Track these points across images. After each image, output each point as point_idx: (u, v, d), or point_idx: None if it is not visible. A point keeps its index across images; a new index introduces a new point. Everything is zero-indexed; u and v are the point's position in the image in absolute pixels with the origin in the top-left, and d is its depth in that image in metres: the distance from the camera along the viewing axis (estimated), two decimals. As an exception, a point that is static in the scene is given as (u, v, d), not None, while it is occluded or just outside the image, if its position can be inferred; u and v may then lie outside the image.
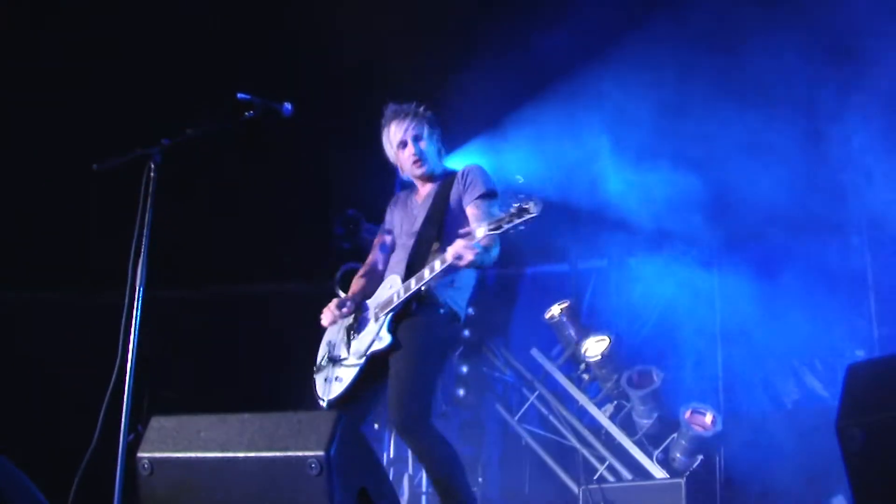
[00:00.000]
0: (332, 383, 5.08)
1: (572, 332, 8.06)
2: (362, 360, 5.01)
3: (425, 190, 5.33)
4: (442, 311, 5.02)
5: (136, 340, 4.55)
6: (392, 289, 5.04)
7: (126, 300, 4.61)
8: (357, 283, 5.37)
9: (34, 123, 8.37)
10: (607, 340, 7.77)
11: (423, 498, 7.84)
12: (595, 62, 7.65)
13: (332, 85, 8.24)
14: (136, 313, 4.60)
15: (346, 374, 5.04)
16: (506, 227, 4.50)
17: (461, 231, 4.69)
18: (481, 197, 5.04)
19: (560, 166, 7.78)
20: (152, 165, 4.74)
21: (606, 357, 7.75)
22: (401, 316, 4.99)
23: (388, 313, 4.98)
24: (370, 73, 8.05)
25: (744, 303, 7.60)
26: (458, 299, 5.13)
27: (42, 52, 8.26)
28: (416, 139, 5.25)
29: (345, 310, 5.19)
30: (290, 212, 9.09)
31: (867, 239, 7.68)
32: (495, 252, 4.90)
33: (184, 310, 9.49)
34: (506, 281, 9.07)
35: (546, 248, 8.47)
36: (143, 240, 4.66)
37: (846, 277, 7.59)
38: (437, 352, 5.01)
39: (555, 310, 8.16)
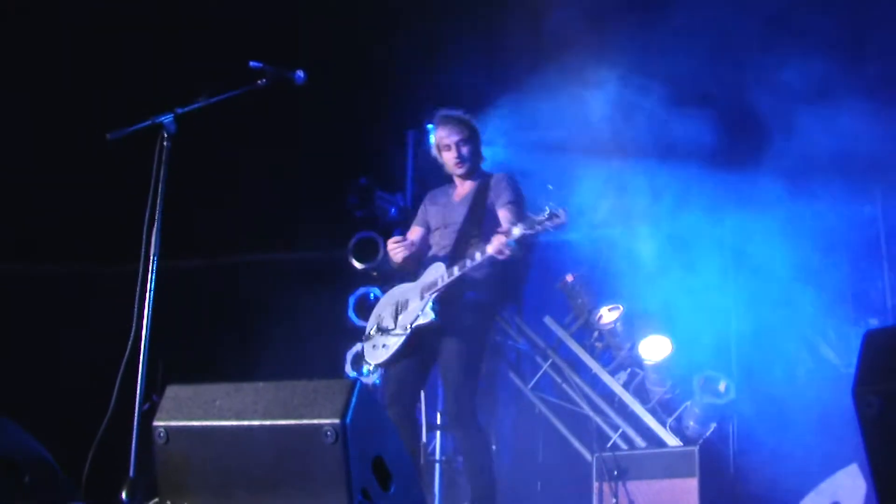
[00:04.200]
0: (378, 349, 5.90)
1: (585, 300, 8.05)
2: (407, 332, 5.75)
3: (464, 189, 6.10)
4: (484, 298, 5.82)
5: (150, 310, 4.55)
6: (436, 273, 5.78)
7: (140, 270, 4.61)
8: (406, 250, 6.02)
9: (48, 93, 8.36)
10: (620, 309, 7.77)
11: (437, 466, 7.87)
12: (611, 20, 7.59)
13: (344, 53, 8.21)
14: (150, 283, 4.60)
15: (391, 343, 5.83)
16: (538, 228, 5.30)
17: (499, 230, 5.48)
18: (511, 202, 5.86)
19: (574, 131, 7.77)
20: (165, 134, 4.73)
21: (619, 325, 7.75)
22: (445, 298, 5.71)
23: (432, 293, 5.73)
24: (385, 42, 8.02)
25: (757, 272, 7.58)
26: (498, 287, 5.94)
27: (53, 20, 8.25)
28: (459, 143, 6.00)
29: (407, 245, 5.99)
30: (303, 181, 9.08)
31: (881, 208, 7.64)
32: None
33: (196, 279, 9.51)
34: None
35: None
36: (157, 209, 4.65)
37: (860, 246, 7.56)
38: (482, 343, 5.88)
39: (568, 278, 8.14)
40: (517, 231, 5.36)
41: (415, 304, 5.82)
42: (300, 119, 8.49)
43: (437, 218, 6.14)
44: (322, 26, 8.21)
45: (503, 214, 5.81)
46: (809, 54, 7.03)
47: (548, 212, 5.28)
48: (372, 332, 6.01)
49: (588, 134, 7.78)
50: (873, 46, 6.95)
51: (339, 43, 8.17)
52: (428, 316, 5.71)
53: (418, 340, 5.78)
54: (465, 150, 6.01)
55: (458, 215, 6.01)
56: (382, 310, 6.08)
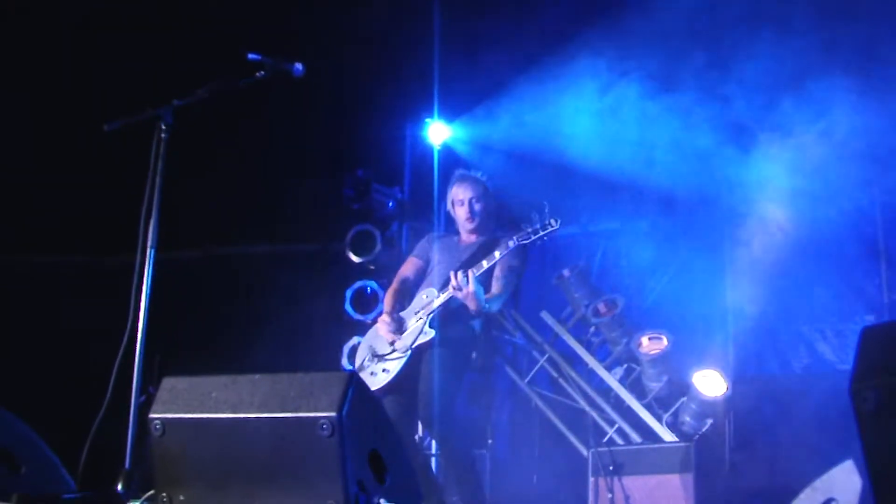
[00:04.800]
0: (378, 375, 6.10)
1: (582, 295, 8.04)
2: (407, 353, 6.03)
3: (471, 238, 6.42)
4: (473, 320, 6.14)
5: (147, 302, 4.55)
6: (428, 297, 6.12)
7: (137, 262, 4.60)
8: (393, 297, 6.35)
9: (48, 93, 8.36)
10: (617, 304, 7.77)
11: (433, 461, 7.86)
12: (602, 16, 7.58)
13: (343, 45, 8.20)
14: (147, 275, 4.59)
15: (392, 366, 6.08)
16: (533, 237, 5.83)
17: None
18: (512, 266, 6.16)
19: (570, 126, 7.75)
20: (163, 126, 4.72)
21: (616, 320, 7.74)
22: (440, 320, 6.04)
23: (429, 314, 6.04)
24: (383, 34, 8.02)
25: (754, 268, 7.57)
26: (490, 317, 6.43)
27: (53, 20, 8.24)
28: (472, 200, 6.36)
29: (395, 324, 6.15)
30: (300, 173, 9.07)
31: (878, 205, 7.63)
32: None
33: (193, 271, 9.50)
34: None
35: (556, 210, 8.43)
36: (154, 201, 4.64)
37: (857, 244, 7.56)
38: (464, 362, 6.21)
39: (564, 272, 8.14)
40: (512, 242, 5.85)
41: (414, 326, 6.08)
42: (298, 111, 8.48)
43: (442, 255, 6.42)
44: (321, 19, 8.20)
45: (497, 273, 6.13)
46: (806, 49, 7.02)
47: (541, 223, 5.82)
48: (365, 363, 6.23)
49: (580, 129, 7.77)
50: (873, 41, 6.94)
51: (338, 35, 8.15)
52: (428, 334, 6.00)
53: (416, 363, 6.02)
54: (477, 207, 6.35)
55: (463, 255, 6.29)
56: (372, 341, 6.32)
